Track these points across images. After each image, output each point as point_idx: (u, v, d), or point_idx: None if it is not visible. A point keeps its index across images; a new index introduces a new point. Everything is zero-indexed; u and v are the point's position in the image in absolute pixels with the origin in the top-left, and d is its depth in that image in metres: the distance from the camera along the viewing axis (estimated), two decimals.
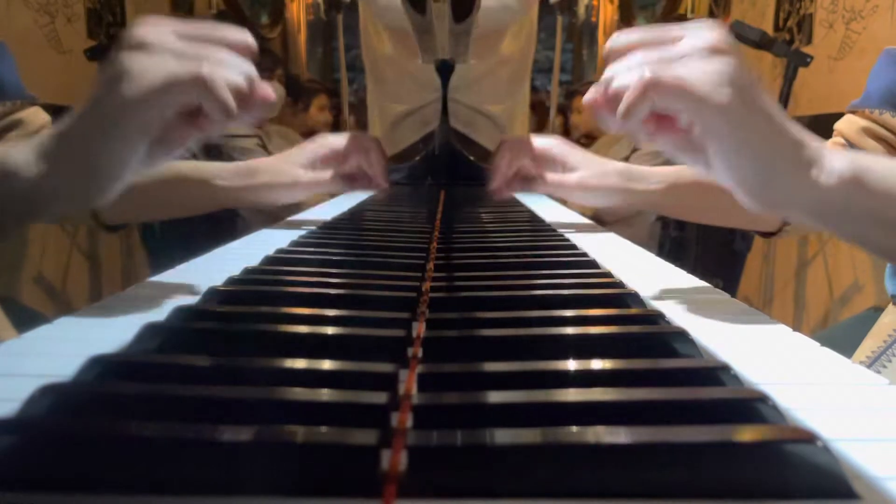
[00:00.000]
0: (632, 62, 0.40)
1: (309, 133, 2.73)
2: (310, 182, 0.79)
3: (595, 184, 0.77)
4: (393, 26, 1.65)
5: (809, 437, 0.21)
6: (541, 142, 0.80)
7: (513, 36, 1.74)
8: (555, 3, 1.76)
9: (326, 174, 0.79)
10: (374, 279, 0.45)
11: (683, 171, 0.78)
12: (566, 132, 2.95)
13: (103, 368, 0.27)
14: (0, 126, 0.72)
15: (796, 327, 0.37)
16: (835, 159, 0.41)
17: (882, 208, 0.41)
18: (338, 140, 0.81)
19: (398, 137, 1.63)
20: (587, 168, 0.78)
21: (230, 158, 2.34)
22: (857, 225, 0.43)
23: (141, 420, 0.22)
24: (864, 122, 0.74)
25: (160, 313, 0.38)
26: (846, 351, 0.35)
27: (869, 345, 0.61)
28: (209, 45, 0.41)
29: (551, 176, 0.79)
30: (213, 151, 2.40)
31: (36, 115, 0.76)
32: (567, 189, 0.80)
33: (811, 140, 0.42)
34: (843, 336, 0.72)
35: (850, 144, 0.75)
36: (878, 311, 0.66)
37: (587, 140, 2.64)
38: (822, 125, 0.82)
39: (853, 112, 0.75)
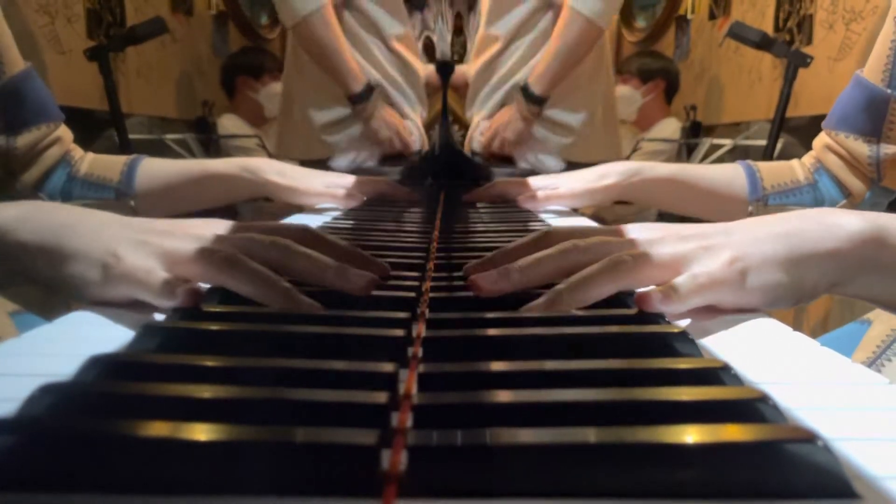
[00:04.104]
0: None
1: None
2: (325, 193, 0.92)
3: (581, 189, 0.89)
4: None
5: (810, 437, 0.21)
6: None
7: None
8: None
9: (340, 191, 0.91)
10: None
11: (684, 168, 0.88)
12: None
13: (103, 368, 0.27)
14: (45, 144, 0.81)
15: (796, 327, 0.37)
16: (851, 221, 0.41)
17: None
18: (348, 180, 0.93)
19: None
20: (571, 176, 0.91)
21: (229, 157, 2.35)
22: (874, 282, 0.42)
23: (141, 420, 0.22)
24: (827, 140, 0.81)
25: (160, 313, 0.38)
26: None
27: (857, 357, 0.61)
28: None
29: (542, 193, 0.91)
30: (213, 150, 2.40)
31: (66, 132, 0.85)
32: (559, 200, 0.91)
33: (818, 216, 0.42)
34: (841, 341, 0.71)
35: (818, 158, 0.83)
36: (863, 323, 0.66)
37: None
38: (821, 126, 0.84)
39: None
